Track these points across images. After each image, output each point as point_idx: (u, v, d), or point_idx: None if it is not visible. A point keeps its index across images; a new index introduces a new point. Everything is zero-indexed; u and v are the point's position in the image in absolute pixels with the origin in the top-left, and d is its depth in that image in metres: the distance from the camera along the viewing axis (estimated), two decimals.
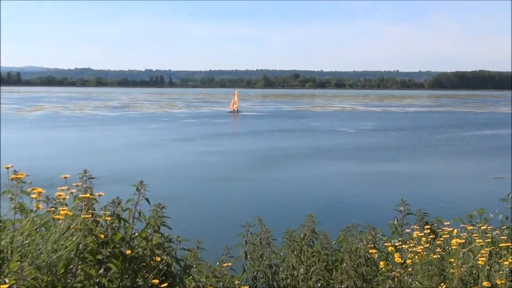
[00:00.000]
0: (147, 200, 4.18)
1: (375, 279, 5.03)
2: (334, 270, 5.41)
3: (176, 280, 4.21)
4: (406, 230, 5.77)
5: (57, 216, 3.47)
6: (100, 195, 4.00)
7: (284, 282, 5.51)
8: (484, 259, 4.60)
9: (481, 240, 5.18)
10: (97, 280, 3.71)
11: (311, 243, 5.62)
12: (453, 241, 5.05)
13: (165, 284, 3.93)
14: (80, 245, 3.55)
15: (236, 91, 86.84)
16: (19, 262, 3.04)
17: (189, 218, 19.36)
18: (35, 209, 3.57)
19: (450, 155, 37.62)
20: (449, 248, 5.09)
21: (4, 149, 33.88)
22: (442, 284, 4.73)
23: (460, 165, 33.05)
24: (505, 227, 6.06)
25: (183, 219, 18.80)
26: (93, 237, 3.69)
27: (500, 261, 4.78)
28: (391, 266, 5.03)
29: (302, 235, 5.66)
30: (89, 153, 36.33)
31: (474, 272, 4.74)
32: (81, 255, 3.56)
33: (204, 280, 4.88)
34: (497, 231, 5.89)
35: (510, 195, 7.24)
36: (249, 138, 48.13)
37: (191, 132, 52.79)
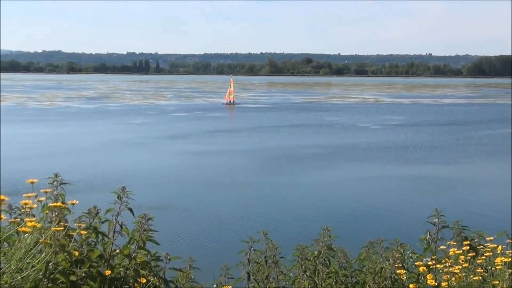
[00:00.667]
0: (131, 210, 4.18)
1: None
2: None
3: None
4: (441, 247, 5.75)
5: (23, 229, 3.47)
6: (73, 204, 4.01)
7: None
8: None
9: None
10: None
11: (327, 262, 5.61)
12: (497, 259, 5.03)
13: None
14: (50, 264, 3.55)
15: (232, 79, 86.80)
16: None
17: (181, 231, 19.37)
18: None
19: (494, 156, 37.54)
20: (493, 268, 5.08)
21: None
22: None
23: (506, 169, 32.95)
24: None
25: (174, 233, 18.82)
26: (66, 254, 3.70)
27: None
28: None
29: (316, 253, 5.66)
30: (61, 153, 36.41)
31: None
32: (51, 276, 3.56)
33: None
34: None
35: None
36: (252, 135, 48.15)
37: (182, 128, 52.82)
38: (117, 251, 4.19)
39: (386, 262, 5.57)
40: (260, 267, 5.61)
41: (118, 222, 4.22)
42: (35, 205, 3.89)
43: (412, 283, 5.34)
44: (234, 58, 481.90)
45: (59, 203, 3.96)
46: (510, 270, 4.89)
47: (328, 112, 75.61)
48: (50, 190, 4.14)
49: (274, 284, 5.55)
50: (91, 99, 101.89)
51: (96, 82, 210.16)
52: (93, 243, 4.12)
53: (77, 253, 3.88)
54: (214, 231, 19.50)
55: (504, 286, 4.73)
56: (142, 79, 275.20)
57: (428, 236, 5.88)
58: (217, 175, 29.59)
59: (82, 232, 4.05)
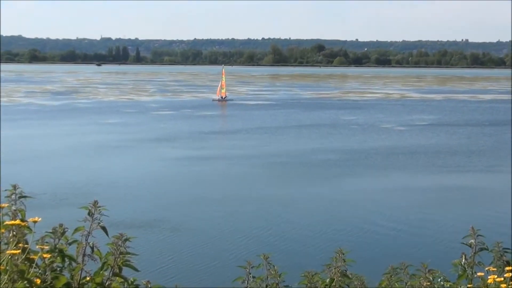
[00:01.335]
0: (104, 228, 4.19)
1: None
2: None
3: None
4: (479, 274, 5.76)
5: None
6: (35, 222, 4.02)
7: None
8: None
9: None
10: None
11: None
12: None
13: None
14: None
15: (223, 70, 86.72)
16: None
17: (165, 255, 19.36)
18: None
19: None
20: None
21: None
22: None
23: None
24: None
25: (156, 257, 18.82)
26: (25, 282, 3.71)
27: None
28: None
29: (327, 280, 5.66)
30: (20, 160, 36.40)
31: None
32: None
33: None
34: None
35: None
36: (252, 138, 48.16)
37: (167, 129, 52.86)
38: (88, 278, 4.19)
39: None
40: None
41: (89, 243, 4.22)
42: None
43: None
44: (230, 44, 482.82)
45: (17, 221, 3.97)
46: None
47: (344, 110, 75.66)
48: (7, 205, 4.15)
49: None
50: (58, 94, 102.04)
51: (63, 73, 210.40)
52: (58, 269, 4.12)
53: (39, 281, 3.89)
54: (205, 254, 19.50)
55: None
56: (119, 70, 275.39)
57: (463, 260, 5.89)
58: (209, 187, 29.58)
59: (45, 255, 4.05)
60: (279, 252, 18.86)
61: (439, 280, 6.25)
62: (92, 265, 4.23)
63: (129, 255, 4.25)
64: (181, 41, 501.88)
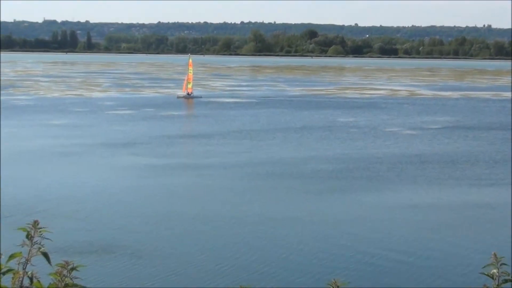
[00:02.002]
0: (46, 255, 4.17)
1: None
2: None
3: None
4: None
5: None
6: None
7: None
8: None
9: None
10: None
11: None
12: None
13: None
14: None
15: (190, 60, 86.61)
16: None
17: (123, 287, 19.30)
18: None
19: None
20: None
21: None
22: None
23: None
24: None
25: None
26: None
27: None
28: None
29: None
30: None
31: None
32: None
33: None
34: None
35: None
36: (229, 143, 48.12)
37: (125, 133, 52.69)
38: None
39: None
40: None
41: (27, 273, 4.20)
42: None
43: None
44: (202, 29, 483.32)
45: None
46: None
47: (341, 110, 75.88)
48: None
49: None
50: None
51: None
52: None
53: None
54: (172, 285, 19.46)
55: None
56: (66, 59, 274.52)
57: None
58: (177, 203, 29.56)
59: None
60: (261, 282, 18.84)
61: None
62: None
63: (77, 287, 4.23)
64: (142, 25, 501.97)
